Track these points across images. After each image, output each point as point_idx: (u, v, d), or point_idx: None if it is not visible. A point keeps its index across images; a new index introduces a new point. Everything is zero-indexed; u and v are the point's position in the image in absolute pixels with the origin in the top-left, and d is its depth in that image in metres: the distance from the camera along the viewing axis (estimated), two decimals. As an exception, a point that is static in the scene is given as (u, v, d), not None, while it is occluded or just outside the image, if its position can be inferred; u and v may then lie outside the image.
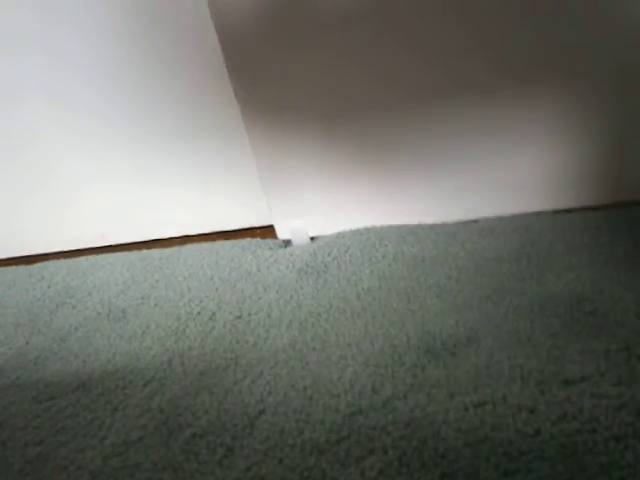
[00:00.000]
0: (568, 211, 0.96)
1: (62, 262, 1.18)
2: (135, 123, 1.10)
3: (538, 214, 0.97)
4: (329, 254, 1.00)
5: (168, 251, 1.13)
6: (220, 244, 1.11)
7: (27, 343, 0.92)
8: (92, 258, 1.17)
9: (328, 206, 1.07)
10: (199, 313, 0.90)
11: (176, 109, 1.07)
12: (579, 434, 0.55)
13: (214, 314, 0.89)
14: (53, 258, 1.21)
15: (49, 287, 1.09)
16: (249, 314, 0.87)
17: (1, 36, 1.07)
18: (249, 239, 1.12)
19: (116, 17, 1.02)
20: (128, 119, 1.10)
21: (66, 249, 1.23)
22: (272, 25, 0.93)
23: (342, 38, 0.92)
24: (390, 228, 1.04)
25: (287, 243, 1.10)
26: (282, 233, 1.11)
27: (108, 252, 1.18)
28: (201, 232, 1.17)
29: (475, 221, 1.00)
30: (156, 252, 1.13)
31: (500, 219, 0.98)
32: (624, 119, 0.90)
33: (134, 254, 1.14)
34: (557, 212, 0.96)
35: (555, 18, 0.86)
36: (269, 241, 1.11)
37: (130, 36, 1.04)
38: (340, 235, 1.05)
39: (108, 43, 1.04)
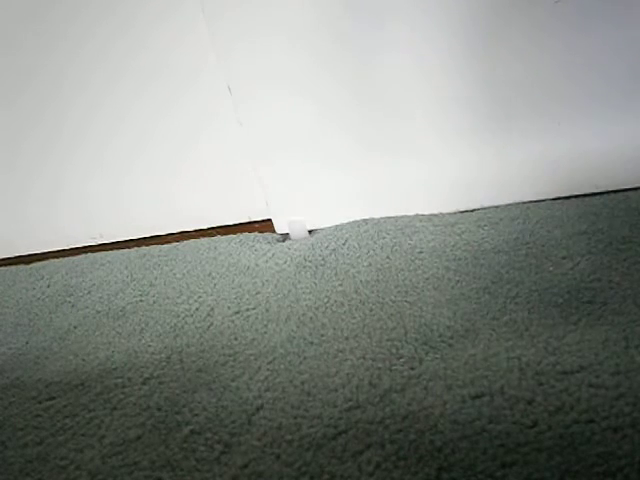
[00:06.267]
0: (566, 198, 0.95)
1: (61, 261, 1.18)
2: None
3: (536, 203, 0.96)
4: (327, 247, 1.00)
5: (166, 248, 1.12)
6: (218, 239, 1.11)
7: (27, 343, 0.93)
8: (91, 256, 1.17)
9: (326, 199, 1.06)
10: (197, 309, 0.90)
11: (170, 104, 1.07)
12: (577, 425, 0.54)
13: (212, 310, 0.89)
14: (52, 257, 1.21)
15: (48, 286, 1.10)
16: (247, 309, 0.87)
17: None
18: (247, 234, 1.11)
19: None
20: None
21: (65, 248, 1.23)
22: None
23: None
24: (388, 220, 1.03)
25: (285, 237, 1.10)
26: (280, 227, 1.11)
27: (107, 250, 1.18)
28: (199, 228, 1.16)
29: (473, 211, 1.00)
30: (154, 249, 1.13)
31: (498, 209, 0.98)
32: (623, 107, 0.90)
33: (132, 251, 1.14)
34: (555, 200, 0.96)
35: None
36: (267, 235, 1.11)
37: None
38: (338, 228, 1.05)
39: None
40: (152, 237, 1.18)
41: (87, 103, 1.09)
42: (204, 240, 1.12)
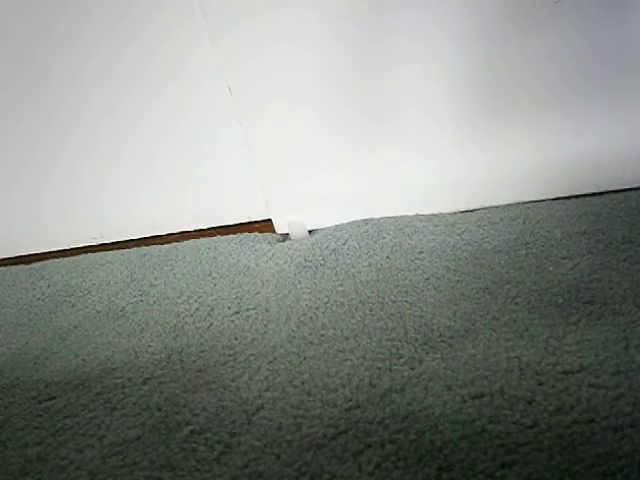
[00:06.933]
0: (566, 198, 0.95)
1: (61, 261, 1.18)
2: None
3: (536, 203, 0.96)
4: (327, 247, 1.00)
5: (166, 248, 1.12)
6: (218, 239, 1.11)
7: (27, 343, 0.92)
8: (91, 256, 1.17)
9: (326, 199, 1.06)
10: (197, 309, 0.90)
11: (169, 103, 1.07)
12: (577, 425, 0.54)
13: (212, 310, 0.89)
14: (52, 257, 1.21)
15: (48, 286, 1.10)
16: (247, 309, 0.87)
17: None
18: (247, 234, 1.11)
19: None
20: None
21: (65, 248, 1.23)
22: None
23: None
24: (388, 220, 1.03)
25: (285, 237, 1.10)
26: (280, 227, 1.11)
27: (107, 250, 1.18)
28: (199, 228, 1.16)
29: (473, 211, 1.00)
30: (154, 249, 1.13)
31: (498, 209, 0.98)
32: (623, 108, 0.90)
33: (132, 252, 1.14)
34: (555, 200, 0.96)
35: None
36: (267, 235, 1.11)
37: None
38: (338, 228, 1.05)
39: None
40: (152, 237, 1.18)
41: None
42: (204, 240, 1.12)
